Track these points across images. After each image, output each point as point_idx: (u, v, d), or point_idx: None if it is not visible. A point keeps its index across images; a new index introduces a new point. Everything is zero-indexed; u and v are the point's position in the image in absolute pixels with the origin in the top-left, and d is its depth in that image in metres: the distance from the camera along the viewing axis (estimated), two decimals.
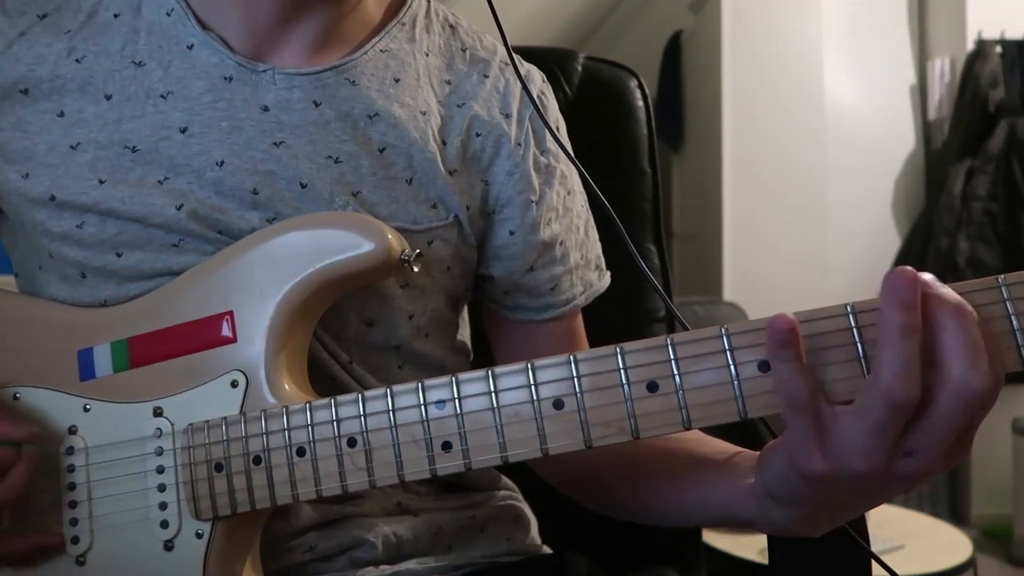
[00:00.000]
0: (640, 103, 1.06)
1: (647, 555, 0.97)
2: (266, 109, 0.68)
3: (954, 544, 1.93)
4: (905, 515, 2.22)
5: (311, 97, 0.68)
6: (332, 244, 0.61)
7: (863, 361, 0.49)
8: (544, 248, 0.76)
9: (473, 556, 0.74)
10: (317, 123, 0.68)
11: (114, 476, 0.61)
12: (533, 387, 0.53)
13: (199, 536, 0.59)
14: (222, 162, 0.66)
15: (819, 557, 0.66)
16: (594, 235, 0.82)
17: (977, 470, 3.20)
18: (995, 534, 3.06)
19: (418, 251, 0.62)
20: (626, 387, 0.52)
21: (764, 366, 0.50)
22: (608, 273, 0.83)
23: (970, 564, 1.85)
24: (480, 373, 0.54)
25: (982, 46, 3.22)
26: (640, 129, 1.06)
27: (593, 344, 0.83)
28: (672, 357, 0.51)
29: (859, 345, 0.49)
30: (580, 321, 0.81)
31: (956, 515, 3.22)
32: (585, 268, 0.80)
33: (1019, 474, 2.92)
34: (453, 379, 0.55)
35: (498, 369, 0.54)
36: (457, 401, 0.54)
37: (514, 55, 0.76)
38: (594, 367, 0.52)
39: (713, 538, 1.91)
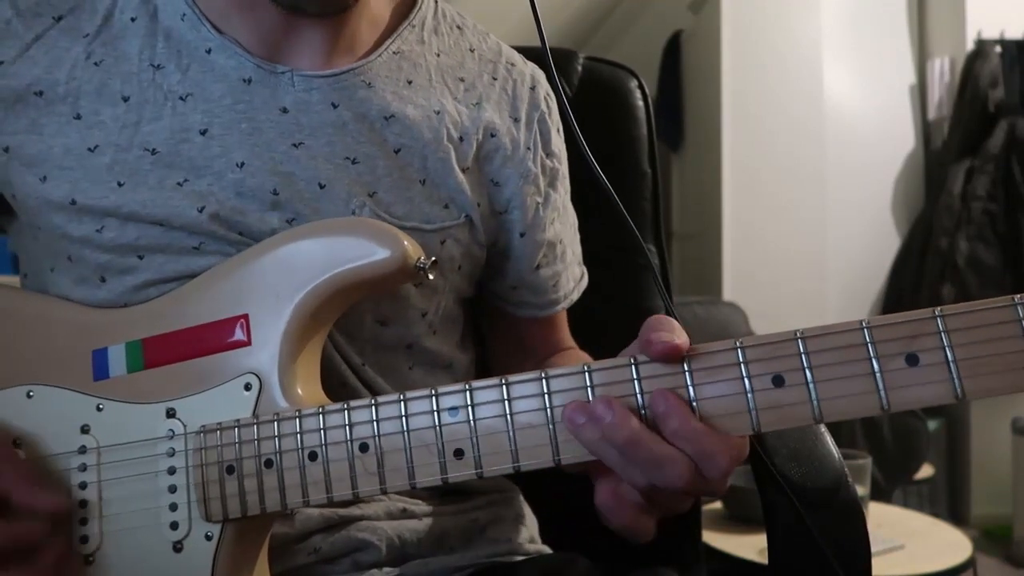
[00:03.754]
0: (640, 103, 1.06)
1: (647, 555, 0.96)
2: (285, 111, 0.68)
3: (954, 544, 1.92)
4: (905, 515, 2.22)
5: (329, 99, 0.69)
6: (348, 251, 0.61)
7: (879, 381, 0.49)
8: (548, 247, 0.79)
9: (475, 557, 0.75)
10: (335, 124, 0.69)
11: (125, 476, 0.61)
12: (547, 396, 0.53)
13: (208, 538, 0.59)
14: (242, 163, 0.67)
15: (819, 557, 0.67)
16: (577, 232, 0.86)
17: (977, 470, 3.20)
18: (995, 534, 3.07)
19: (433, 258, 0.62)
20: (639, 398, 0.52)
21: (778, 380, 0.50)
22: (585, 268, 0.87)
23: (970, 564, 1.85)
24: (494, 381, 0.54)
25: (982, 46, 3.22)
26: (640, 129, 1.06)
27: (589, 343, 0.85)
28: (686, 369, 0.51)
29: (873, 361, 0.49)
30: (565, 312, 0.86)
31: (956, 515, 3.23)
32: (574, 263, 0.84)
33: (1019, 474, 2.92)
34: (467, 387, 0.55)
35: (512, 378, 0.54)
36: (470, 408, 0.54)
37: (551, 62, 0.74)
38: (607, 377, 0.52)
39: (713, 538, 1.91)
